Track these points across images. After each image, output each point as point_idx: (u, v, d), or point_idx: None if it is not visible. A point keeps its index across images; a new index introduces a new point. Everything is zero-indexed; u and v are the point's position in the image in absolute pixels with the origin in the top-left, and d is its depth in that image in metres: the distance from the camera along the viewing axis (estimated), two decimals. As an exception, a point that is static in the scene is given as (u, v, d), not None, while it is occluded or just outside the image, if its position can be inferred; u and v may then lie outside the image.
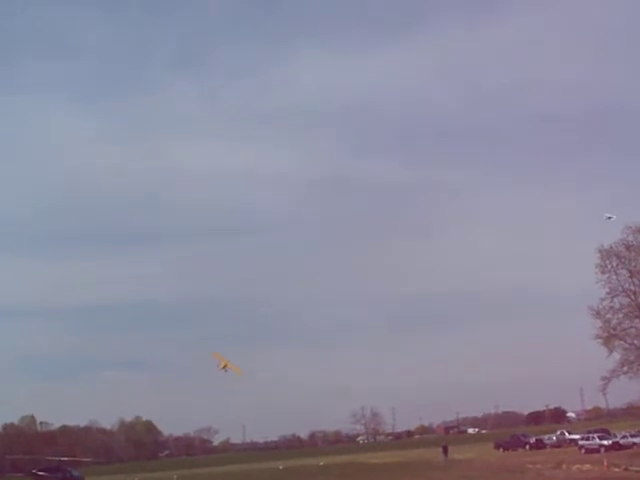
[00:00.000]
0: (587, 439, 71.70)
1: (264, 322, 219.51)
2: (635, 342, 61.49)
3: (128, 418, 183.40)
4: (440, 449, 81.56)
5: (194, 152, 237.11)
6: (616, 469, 51.46)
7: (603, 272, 62.31)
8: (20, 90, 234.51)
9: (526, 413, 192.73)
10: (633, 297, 61.78)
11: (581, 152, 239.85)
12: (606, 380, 61.90)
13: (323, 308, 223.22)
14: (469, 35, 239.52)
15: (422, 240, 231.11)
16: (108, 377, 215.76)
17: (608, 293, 62.01)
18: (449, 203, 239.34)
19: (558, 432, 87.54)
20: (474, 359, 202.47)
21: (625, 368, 60.94)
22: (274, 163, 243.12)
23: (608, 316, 62.04)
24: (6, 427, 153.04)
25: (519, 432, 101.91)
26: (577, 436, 77.79)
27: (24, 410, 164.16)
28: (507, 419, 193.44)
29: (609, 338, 61.34)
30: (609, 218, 62.91)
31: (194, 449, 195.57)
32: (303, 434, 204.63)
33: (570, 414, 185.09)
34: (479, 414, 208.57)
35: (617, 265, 62.56)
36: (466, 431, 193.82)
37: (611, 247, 62.68)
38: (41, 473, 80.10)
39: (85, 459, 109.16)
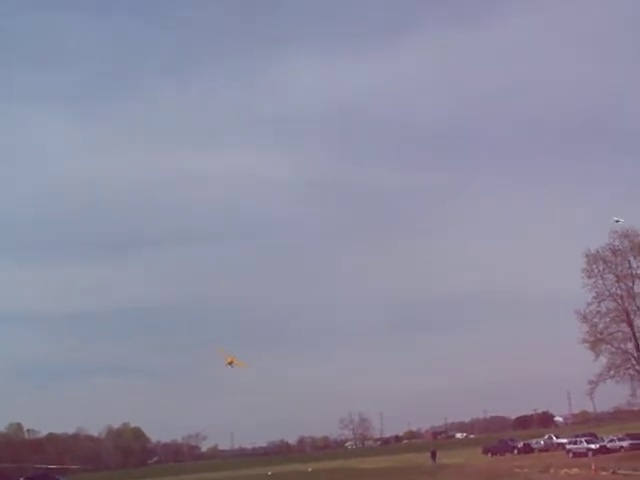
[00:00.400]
0: (575, 443, 71.86)
1: (249, 327, 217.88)
2: (622, 346, 61.90)
3: (116, 425, 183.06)
4: (429, 454, 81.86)
5: (193, 156, 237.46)
6: (604, 473, 51.71)
7: (589, 276, 62.78)
8: (12, 98, 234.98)
9: (514, 417, 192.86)
10: (620, 301, 62.13)
11: (581, 152, 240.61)
12: (593, 384, 62.08)
13: (307, 314, 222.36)
14: (468, 36, 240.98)
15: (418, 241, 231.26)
16: (95, 384, 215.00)
17: (595, 297, 62.51)
18: (449, 205, 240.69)
19: (546, 436, 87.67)
20: (461, 364, 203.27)
21: (612, 372, 61.23)
22: (273, 166, 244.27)
23: (595, 320, 62.48)
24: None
25: (507, 437, 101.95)
26: (565, 440, 77.98)
27: (11, 418, 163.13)
28: (495, 424, 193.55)
29: (596, 342, 61.69)
30: (617, 222, 63.23)
31: (182, 455, 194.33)
32: (291, 440, 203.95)
33: (558, 418, 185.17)
34: (467, 419, 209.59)
35: (603, 269, 62.96)
36: (454, 436, 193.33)
37: (597, 251, 63.13)
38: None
39: (73, 467, 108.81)
